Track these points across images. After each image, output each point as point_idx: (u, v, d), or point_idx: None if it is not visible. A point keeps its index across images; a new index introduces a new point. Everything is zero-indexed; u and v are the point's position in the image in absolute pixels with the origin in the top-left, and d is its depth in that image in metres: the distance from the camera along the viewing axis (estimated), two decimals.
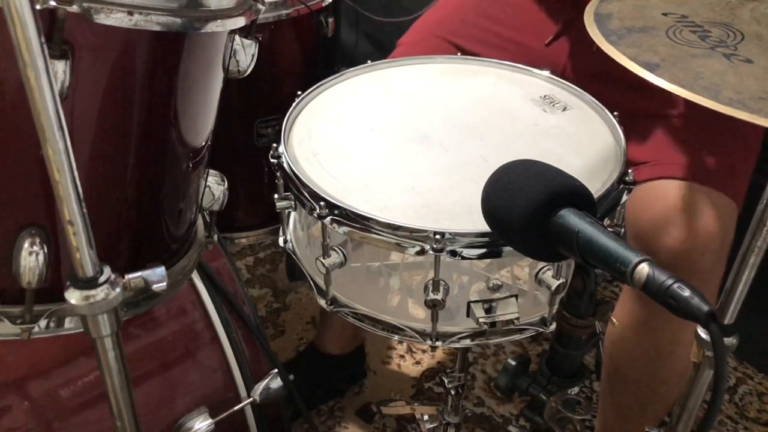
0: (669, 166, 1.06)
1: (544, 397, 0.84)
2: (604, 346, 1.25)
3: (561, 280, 0.78)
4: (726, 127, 1.08)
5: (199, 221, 0.93)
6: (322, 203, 0.78)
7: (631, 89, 1.05)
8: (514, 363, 0.90)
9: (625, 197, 0.84)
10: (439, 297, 0.77)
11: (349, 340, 1.56)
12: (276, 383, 1.03)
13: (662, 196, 1.04)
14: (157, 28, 0.64)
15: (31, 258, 0.68)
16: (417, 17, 1.40)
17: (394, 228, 0.76)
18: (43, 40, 0.50)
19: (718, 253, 1.03)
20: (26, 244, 0.68)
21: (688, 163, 1.06)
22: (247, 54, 0.81)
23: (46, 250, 0.69)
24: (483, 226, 0.68)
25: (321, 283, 0.86)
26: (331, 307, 0.87)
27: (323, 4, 1.36)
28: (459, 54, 1.14)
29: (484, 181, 0.66)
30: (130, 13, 0.62)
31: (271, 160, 0.87)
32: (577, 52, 1.18)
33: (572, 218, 0.60)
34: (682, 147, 1.07)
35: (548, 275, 0.78)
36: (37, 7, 0.52)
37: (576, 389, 0.84)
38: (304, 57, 1.41)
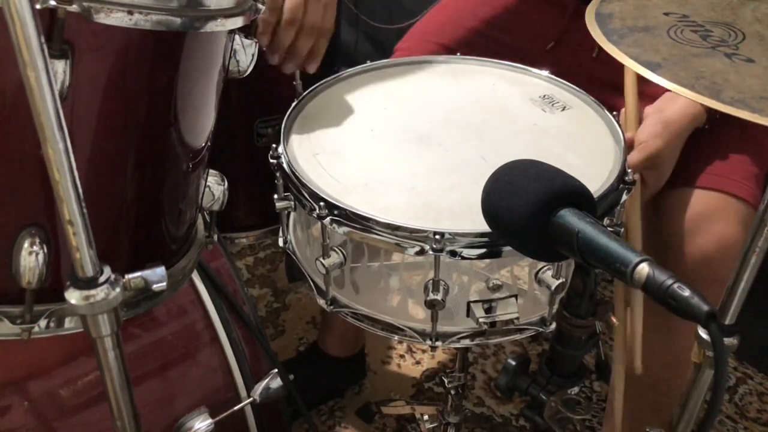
0: (687, 174, 1.06)
1: (544, 397, 0.84)
2: (613, 350, 1.25)
3: (561, 280, 0.78)
4: (741, 134, 1.08)
5: (199, 221, 0.93)
6: (321, 203, 0.78)
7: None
8: (514, 363, 0.90)
9: (624, 197, 0.84)
10: (438, 297, 0.77)
11: (350, 344, 1.56)
12: (276, 383, 1.03)
13: (684, 205, 1.04)
14: (157, 27, 0.64)
15: (31, 258, 0.68)
16: (414, 22, 1.40)
17: (393, 228, 0.76)
18: (42, 39, 0.50)
19: (737, 261, 1.03)
20: (26, 244, 0.68)
21: (706, 170, 1.06)
22: (247, 54, 0.81)
23: (46, 250, 0.68)
24: (483, 226, 0.68)
25: (321, 283, 0.86)
26: (331, 307, 0.87)
27: None
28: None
29: (483, 181, 0.66)
30: (130, 13, 0.62)
31: (271, 161, 0.87)
32: (578, 59, 1.18)
33: (572, 218, 0.60)
34: (697, 155, 1.07)
35: (548, 275, 0.78)
36: (37, 6, 0.52)
37: (576, 389, 0.84)
38: None
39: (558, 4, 1.22)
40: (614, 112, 0.94)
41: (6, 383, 0.91)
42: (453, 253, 0.75)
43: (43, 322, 0.73)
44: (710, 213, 1.03)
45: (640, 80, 1.04)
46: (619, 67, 0.96)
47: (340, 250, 0.81)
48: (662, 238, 1.05)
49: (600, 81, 1.10)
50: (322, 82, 1.02)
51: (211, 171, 0.91)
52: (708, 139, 1.08)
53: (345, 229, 0.77)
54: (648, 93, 1.06)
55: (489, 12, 1.27)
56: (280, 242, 0.95)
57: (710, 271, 1.01)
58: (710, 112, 1.05)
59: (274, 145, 0.88)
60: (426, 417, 1.25)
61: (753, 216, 1.05)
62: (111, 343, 0.63)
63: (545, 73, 1.06)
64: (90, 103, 0.66)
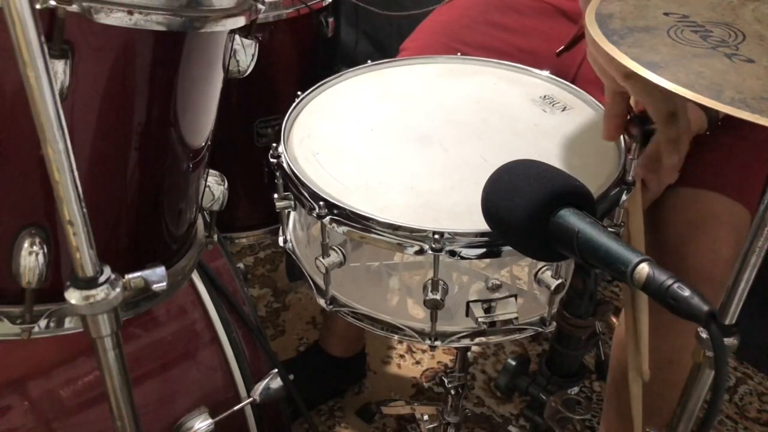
0: (686, 175, 1.06)
1: (544, 397, 0.84)
2: (611, 350, 1.25)
3: (560, 280, 0.78)
4: (740, 135, 1.09)
5: (199, 221, 0.93)
6: (321, 203, 0.78)
7: None
8: (514, 363, 0.90)
9: (624, 197, 0.84)
10: (438, 297, 0.77)
11: (352, 344, 1.56)
12: (276, 383, 1.03)
13: (680, 205, 1.05)
14: (157, 27, 0.64)
15: (31, 258, 0.68)
16: (417, 14, 1.40)
17: (393, 228, 0.76)
18: (43, 39, 0.50)
19: (731, 261, 1.03)
20: (26, 244, 0.68)
21: (704, 171, 1.06)
22: (247, 54, 0.81)
23: (46, 250, 0.68)
24: (482, 226, 0.68)
25: (320, 282, 0.86)
26: (331, 306, 0.87)
27: (323, 4, 1.36)
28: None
29: (483, 181, 0.66)
30: (130, 13, 0.62)
31: (271, 160, 0.87)
32: (587, 63, 1.18)
33: (572, 218, 0.60)
34: (698, 156, 1.07)
35: (547, 275, 0.78)
36: (37, 6, 0.52)
37: (576, 389, 0.84)
38: (304, 57, 1.41)
39: (569, 10, 1.22)
40: None
41: (6, 383, 0.91)
42: (452, 253, 0.75)
43: (43, 322, 0.73)
44: (706, 213, 1.03)
45: None
46: None
47: (339, 249, 0.81)
48: (659, 238, 1.05)
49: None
50: (322, 82, 1.02)
51: (211, 171, 0.91)
52: (707, 141, 1.08)
53: (344, 228, 0.77)
54: None
55: (499, 15, 1.27)
56: (280, 241, 0.95)
57: (704, 272, 1.02)
58: (711, 118, 1.05)
59: (274, 144, 0.88)
60: (426, 417, 1.25)
61: (748, 217, 1.05)
62: (111, 343, 0.63)
63: (546, 73, 1.06)
64: (90, 103, 0.66)
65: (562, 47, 1.19)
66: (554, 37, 1.21)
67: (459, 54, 1.14)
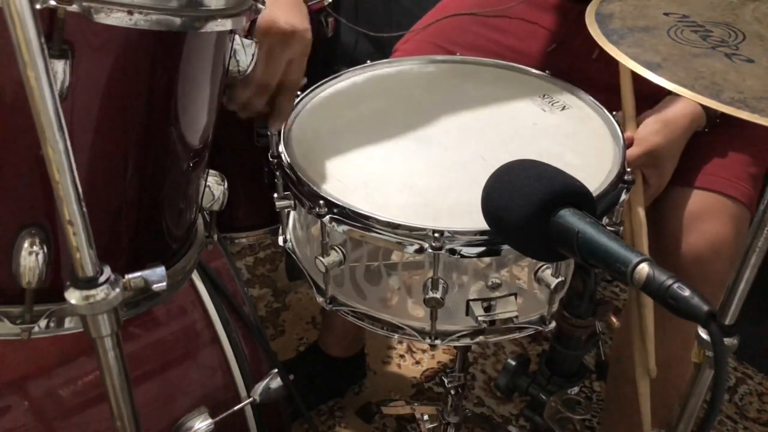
0: (682, 173, 1.06)
1: (544, 397, 0.84)
2: (611, 350, 1.25)
3: (560, 279, 0.78)
4: (739, 134, 1.09)
5: (199, 221, 0.93)
6: (321, 202, 0.78)
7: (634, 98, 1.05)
8: (514, 363, 0.90)
9: (623, 196, 0.84)
10: (437, 295, 0.77)
11: (351, 344, 1.56)
12: (276, 383, 1.03)
13: (678, 204, 1.05)
14: (157, 27, 0.64)
15: (31, 258, 0.68)
16: (417, 13, 1.40)
17: (393, 226, 0.76)
18: (42, 39, 0.50)
19: (731, 260, 1.03)
20: (26, 244, 0.68)
21: (702, 170, 1.06)
22: (247, 54, 0.81)
23: (46, 250, 0.68)
24: (482, 225, 0.68)
25: (320, 282, 0.87)
26: (330, 305, 0.87)
27: (323, 4, 1.36)
28: None
29: (483, 180, 0.66)
30: (130, 13, 0.62)
31: (271, 159, 0.87)
32: (579, 61, 1.18)
33: (572, 218, 0.60)
34: (694, 154, 1.07)
35: (547, 274, 0.79)
36: (37, 6, 0.52)
37: (576, 389, 0.84)
38: None
39: (559, 9, 1.22)
40: (613, 112, 0.95)
41: (6, 383, 0.91)
42: (452, 252, 0.75)
43: (43, 322, 0.72)
44: (702, 212, 1.03)
45: (641, 82, 1.04)
46: (618, 69, 0.95)
47: (339, 248, 0.81)
48: (657, 237, 1.06)
49: (600, 83, 1.11)
50: (322, 81, 1.02)
51: (211, 171, 0.91)
52: (706, 140, 1.08)
53: (344, 227, 0.78)
54: (646, 94, 1.06)
55: (489, 14, 1.27)
56: (280, 241, 0.95)
57: (702, 270, 1.02)
58: (710, 115, 1.05)
59: (274, 144, 0.88)
60: (426, 417, 1.25)
61: (746, 216, 1.05)
62: (111, 343, 0.63)
63: (545, 73, 1.06)
64: (90, 103, 0.66)
65: (554, 45, 1.19)
66: (545, 36, 1.21)
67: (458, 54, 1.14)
